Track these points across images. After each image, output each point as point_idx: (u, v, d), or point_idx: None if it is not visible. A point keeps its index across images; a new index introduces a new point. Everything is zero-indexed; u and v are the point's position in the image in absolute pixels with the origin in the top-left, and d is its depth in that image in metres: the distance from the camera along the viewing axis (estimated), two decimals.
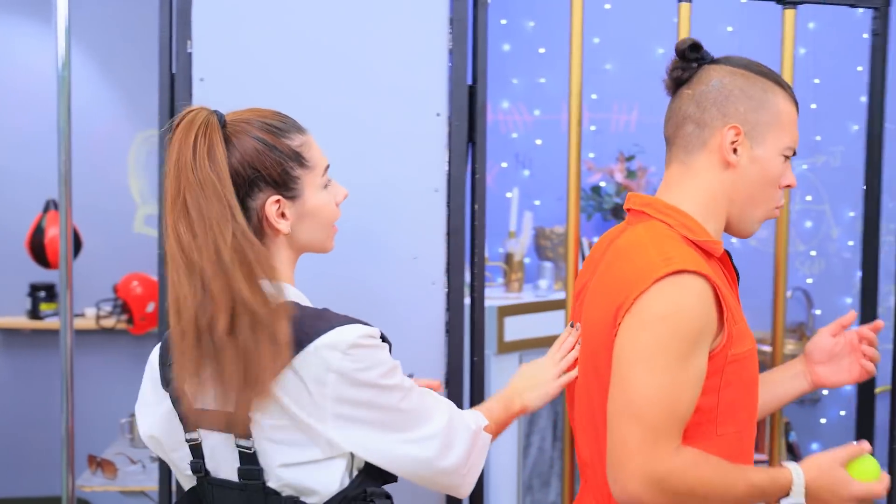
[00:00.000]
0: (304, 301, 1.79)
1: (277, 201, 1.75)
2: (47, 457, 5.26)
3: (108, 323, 5.15)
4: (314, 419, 1.67)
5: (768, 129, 1.90)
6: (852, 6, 2.39)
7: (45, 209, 5.00)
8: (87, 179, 4.64)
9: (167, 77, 2.31)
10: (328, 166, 1.84)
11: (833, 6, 2.44)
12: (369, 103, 2.29)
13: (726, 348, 1.82)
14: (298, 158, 1.78)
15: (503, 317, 4.20)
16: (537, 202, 5.23)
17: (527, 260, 4.95)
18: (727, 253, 1.98)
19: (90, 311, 5.25)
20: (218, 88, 2.28)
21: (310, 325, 1.68)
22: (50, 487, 5.10)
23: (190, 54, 2.29)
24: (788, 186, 1.96)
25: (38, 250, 4.95)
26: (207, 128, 1.69)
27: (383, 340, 1.75)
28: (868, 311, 2.49)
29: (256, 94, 2.28)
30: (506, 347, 4.21)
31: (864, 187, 2.44)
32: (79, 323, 5.19)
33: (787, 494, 1.86)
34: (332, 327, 1.68)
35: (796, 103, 1.95)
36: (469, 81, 2.37)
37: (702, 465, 1.78)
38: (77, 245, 4.88)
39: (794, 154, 1.93)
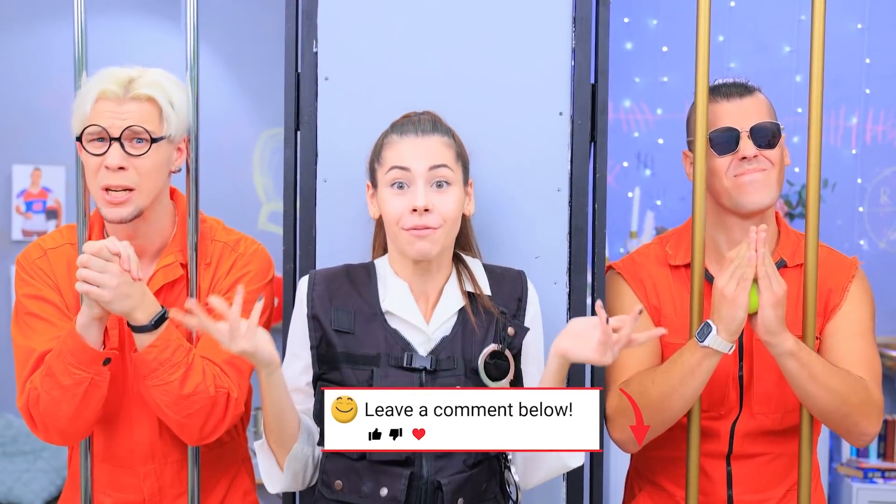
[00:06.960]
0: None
1: (368, 186, 2.10)
2: None
3: None
4: None
5: None
6: None
7: None
8: (213, 176, 4.71)
9: (293, 76, 2.35)
10: (399, 168, 1.97)
11: None
12: (492, 102, 2.29)
13: None
14: (377, 154, 2.05)
15: None
16: (659, 202, 5.16)
17: None
18: None
19: None
20: (343, 87, 2.31)
21: None
22: None
23: (316, 54, 2.31)
24: None
25: None
26: None
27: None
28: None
29: (380, 93, 2.30)
30: None
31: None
32: None
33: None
34: None
35: None
36: (591, 80, 2.35)
37: None
38: None
39: None
